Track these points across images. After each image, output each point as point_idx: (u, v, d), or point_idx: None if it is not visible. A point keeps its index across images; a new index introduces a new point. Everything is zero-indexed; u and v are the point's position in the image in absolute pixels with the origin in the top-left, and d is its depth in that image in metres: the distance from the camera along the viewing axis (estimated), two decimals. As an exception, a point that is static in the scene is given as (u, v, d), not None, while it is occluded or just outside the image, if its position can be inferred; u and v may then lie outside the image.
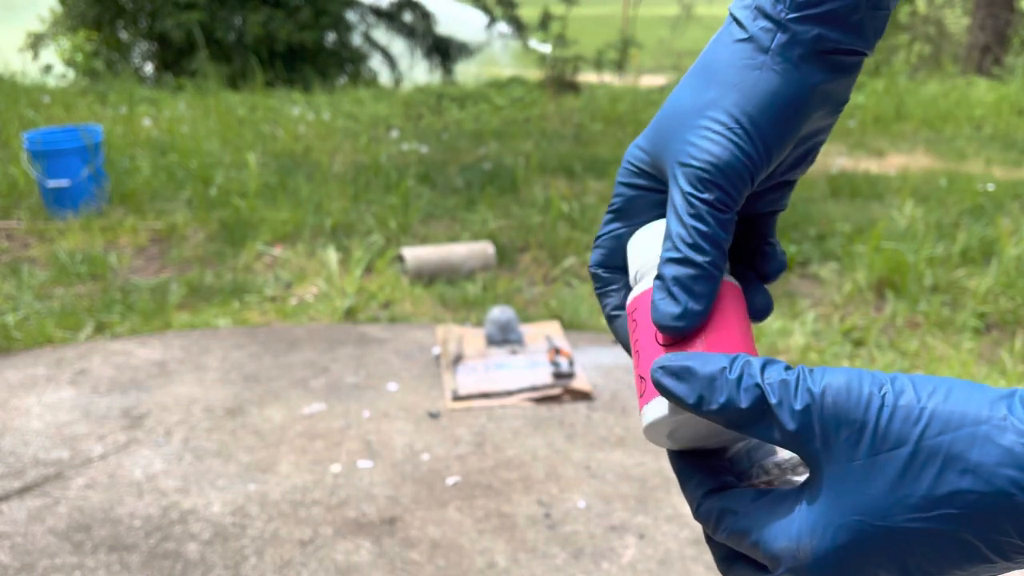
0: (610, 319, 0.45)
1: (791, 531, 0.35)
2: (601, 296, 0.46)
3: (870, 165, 5.40)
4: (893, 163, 5.51)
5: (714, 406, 0.35)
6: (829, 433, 0.33)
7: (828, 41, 0.39)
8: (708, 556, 1.82)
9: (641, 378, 0.40)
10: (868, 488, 0.32)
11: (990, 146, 5.89)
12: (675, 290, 0.39)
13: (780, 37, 0.39)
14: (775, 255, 0.45)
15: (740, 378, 0.35)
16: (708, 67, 0.41)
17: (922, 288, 3.30)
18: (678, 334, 0.39)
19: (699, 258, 0.39)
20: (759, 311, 0.43)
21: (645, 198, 0.44)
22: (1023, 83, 7.83)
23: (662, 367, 0.37)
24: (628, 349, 0.43)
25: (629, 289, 0.45)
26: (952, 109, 6.88)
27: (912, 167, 5.35)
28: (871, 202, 4.50)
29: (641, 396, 0.40)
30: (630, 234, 0.44)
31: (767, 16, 0.39)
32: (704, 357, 0.36)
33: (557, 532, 1.90)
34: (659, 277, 0.39)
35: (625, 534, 1.89)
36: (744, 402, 0.35)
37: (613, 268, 0.45)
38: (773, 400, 0.34)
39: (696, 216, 0.39)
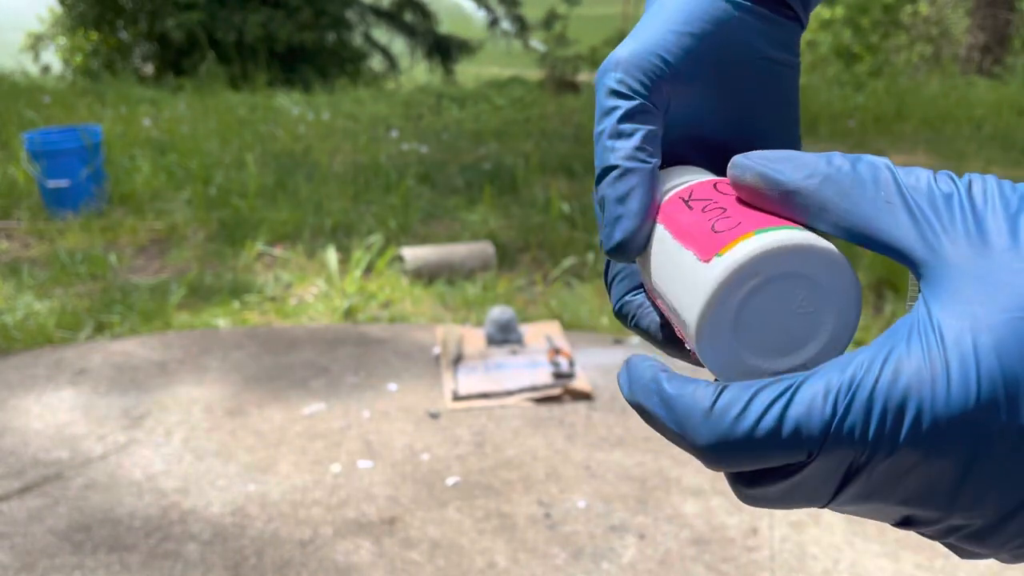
0: (625, 309, 0.40)
1: (917, 354, 0.26)
2: (639, 319, 0.40)
3: (870, 165, 5.39)
4: (893, 163, 5.50)
5: (820, 178, 0.30)
6: (977, 220, 0.27)
7: None
8: (708, 556, 1.82)
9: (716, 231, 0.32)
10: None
11: (990, 146, 5.89)
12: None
13: None
14: None
15: (858, 158, 0.30)
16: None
17: (922, 288, 3.30)
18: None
19: (613, 158, 0.36)
20: None
21: None
22: (1023, 83, 7.83)
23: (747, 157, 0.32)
24: (651, 331, 0.38)
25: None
26: (952, 109, 6.88)
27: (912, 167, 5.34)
28: (871, 202, 4.50)
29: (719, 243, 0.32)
30: None
31: None
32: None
33: (557, 532, 1.90)
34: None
35: (625, 534, 1.89)
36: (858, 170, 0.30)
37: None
38: (905, 189, 0.29)
39: (603, 113, 0.36)
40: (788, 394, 0.27)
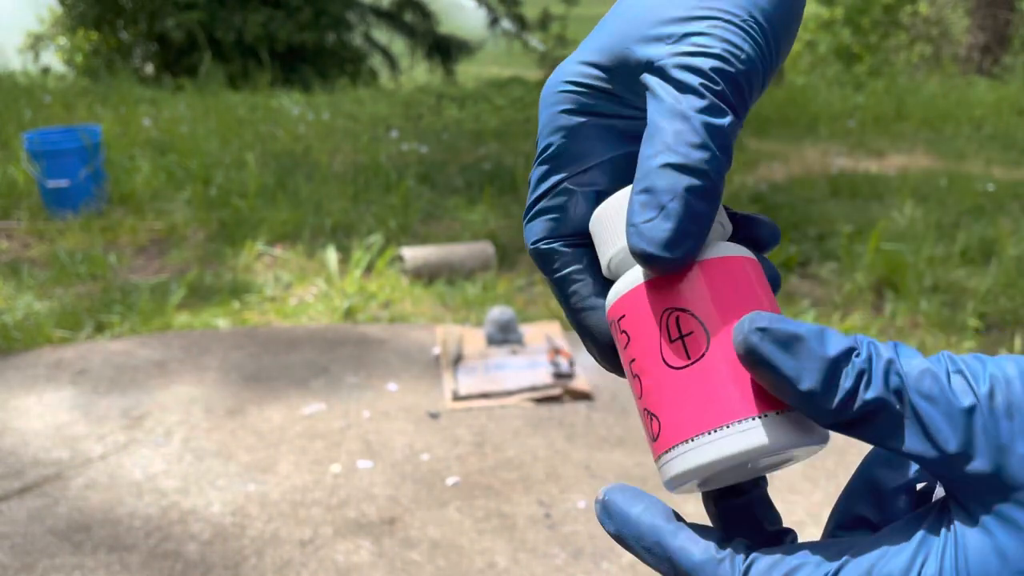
0: (579, 313, 0.33)
1: None
2: (562, 283, 0.33)
3: (870, 165, 5.40)
4: (893, 163, 5.51)
5: (836, 398, 0.26)
6: (1000, 446, 0.24)
7: None
8: (708, 556, 1.82)
9: (650, 414, 0.30)
10: None
11: (990, 146, 5.89)
12: (672, 205, 0.28)
13: None
14: (759, 219, 0.34)
15: (870, 362, 0.26)
16: None
17: (922, 288, 3.30)
18: (666, 268, 0.29)
19: (706, 165, 0.28)
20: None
21: (596, 128, 0.33)
22: (1023, 83, 7.83)
23: (762, 328, 0.27)
24: (606, 358, 0.33)
25: (602, 280, 0.33)
26: (952, 109, 6.88)
27: (912, 167, 5.35)
28: (871, 202, 4.50)
29: (657, 436, 0.30)
30: (583, 189, 0.33)
31: None
32: (815, 329, 0.27)
33: (557, 532, 1.90)
34: (645, 191, 0.29)
35: (625, 534, 1.89)
36: (873, 395, 0.26)
37: (572, 239, 0.33)
38: (917, 400, 0.25)
39: (707, 109, 0.29)
40: None
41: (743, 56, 0.29)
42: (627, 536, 0.30)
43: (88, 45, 9.51)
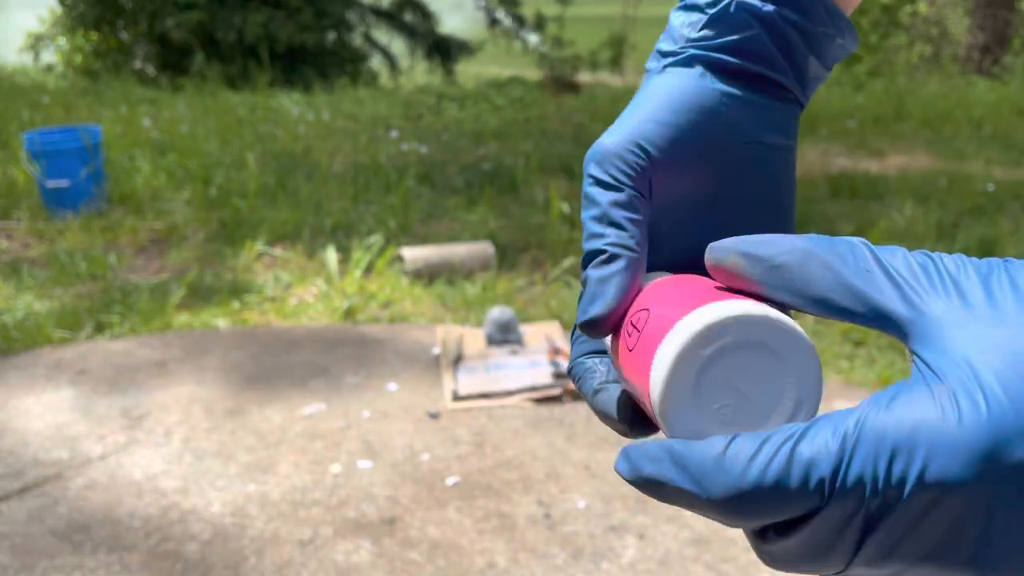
0: (595, 393, 0.38)
1: (922, 391, 0.26)
2: (583, 380, 0.39)
3: (870, 165, 5.40)
4: (893, 163, 5.51)
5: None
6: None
7: (726, 61, 0.39)
8: (708, 556, 1.82)
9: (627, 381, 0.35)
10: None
11: (990, 146, 5.89)
12: (594, 288, 0.37)
13: (680, 54, 0.40)
14: None
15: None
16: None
17: (922, 288, 3.30)
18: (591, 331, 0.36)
19: (600, 243, 0.37)
20: None
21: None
22: (1023, 83, 7.83)
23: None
24: (619, 421, 0.37)
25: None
26: (952, 109, 6.88)
27: (912, 167, 5.35)
28: (871, 202, 4.50)
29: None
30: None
31: (666, 52, 0.41)
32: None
33: (557, 532, 1.90)
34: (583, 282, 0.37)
35: (625, 534, 1.89)
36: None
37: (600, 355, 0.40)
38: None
39: (590, 201, 0.38)
40: (797, 436, 0.27)
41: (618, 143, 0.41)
42: (642, 465, 0.31)
43: (88, 45, 9.51)
